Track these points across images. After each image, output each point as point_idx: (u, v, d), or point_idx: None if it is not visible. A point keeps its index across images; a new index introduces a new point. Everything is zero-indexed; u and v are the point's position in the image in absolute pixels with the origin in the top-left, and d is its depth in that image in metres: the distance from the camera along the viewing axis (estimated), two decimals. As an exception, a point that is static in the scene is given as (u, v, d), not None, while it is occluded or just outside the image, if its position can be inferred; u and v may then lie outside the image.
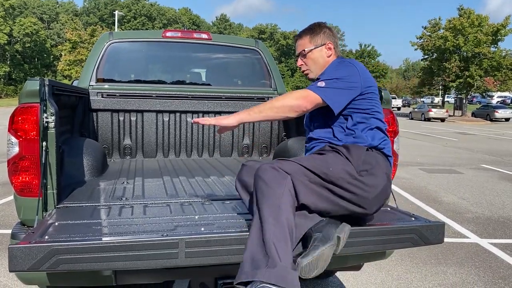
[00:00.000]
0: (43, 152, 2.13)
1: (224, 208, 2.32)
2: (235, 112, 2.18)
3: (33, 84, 2.11)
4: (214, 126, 4.31)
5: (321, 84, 2.08)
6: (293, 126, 4.14)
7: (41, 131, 2.12)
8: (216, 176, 3.24)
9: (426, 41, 40.20)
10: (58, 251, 1.61)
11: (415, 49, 41.92)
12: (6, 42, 59.18)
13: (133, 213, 2.19)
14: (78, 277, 2.09)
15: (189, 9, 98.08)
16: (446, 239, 4.75)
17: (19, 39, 62.29)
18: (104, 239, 1.75)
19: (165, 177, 3.12)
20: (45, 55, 68.82)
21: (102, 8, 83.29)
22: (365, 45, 66.62)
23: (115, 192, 2.64)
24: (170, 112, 4.12)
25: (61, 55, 59.79)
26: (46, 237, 1.74)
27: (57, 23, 75.88)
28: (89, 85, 3.91)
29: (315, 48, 2.30)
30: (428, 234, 2.06)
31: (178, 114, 4.15)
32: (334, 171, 1.95)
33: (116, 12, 50.40)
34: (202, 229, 1.93)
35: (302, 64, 2.36)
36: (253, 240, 1.77)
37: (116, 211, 2.21)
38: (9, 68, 60.81)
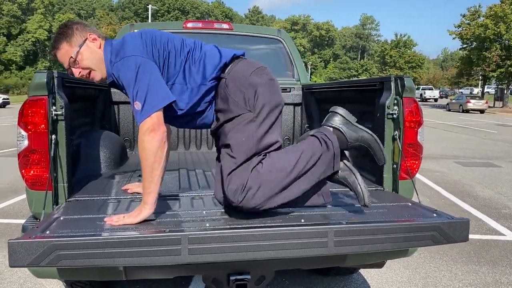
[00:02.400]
0: (52, 145, 2.10)
1: None
2: None
3: (41, 77, 2.07)
4: None
5: (138, 106, 1.85)
6: (316, 116, 4.01)
7: (49, 124, 2.10)
8: None
9: (465, 29, 38.77)
10: (58, 247, 1.57)
11: (453, 38, 40.49)
12: (46, 38, 61.11)
13: None
14: (88, 271, 2.06)
15: (222, 2, 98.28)
16: (480, 236, 4.57)
17: (58, 35, 64.06)
18: (104, 234, 1.69)
19: (181, 170, 3.07)
20: (82, 50, 70.55)
21: (136, 2, 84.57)
22: (400, 35, 64.92)
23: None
24: None
25: (97, 50, 61.10)
26: (48, 232, 1.71)
27: (94, 18, 77.62)
28: None
29: (80, 48, 2.07)
30: (450, 231, 1.90)
31: None
32: (241, 141, 1.95)
33: (150, 6, 50.97)
34: (207, 224, 1.86)
35: (81, 73, 2.10)
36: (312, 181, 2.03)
37: (124, 205, 2.17)
38: (49, 63, 62.76)
